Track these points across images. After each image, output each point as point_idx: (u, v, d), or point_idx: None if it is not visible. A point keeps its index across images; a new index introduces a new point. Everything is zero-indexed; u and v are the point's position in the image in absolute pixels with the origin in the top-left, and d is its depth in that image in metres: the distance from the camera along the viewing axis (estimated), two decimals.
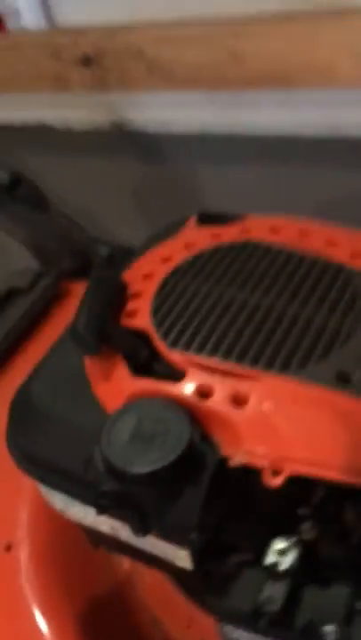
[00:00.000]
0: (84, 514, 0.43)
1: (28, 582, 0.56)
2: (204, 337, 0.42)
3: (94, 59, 0.92)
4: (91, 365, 0.45)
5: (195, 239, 0.51)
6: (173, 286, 0.46)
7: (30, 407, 0.45)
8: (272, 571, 0.38)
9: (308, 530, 0.40)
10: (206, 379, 0.40)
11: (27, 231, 0.79)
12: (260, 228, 0.51)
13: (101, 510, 0.40)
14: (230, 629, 0.41)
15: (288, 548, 0.38)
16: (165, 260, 0.49)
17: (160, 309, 0.45)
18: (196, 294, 0.45)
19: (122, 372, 0.43)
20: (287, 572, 0.38)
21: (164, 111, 1.15)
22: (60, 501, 0.45)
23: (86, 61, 0.93)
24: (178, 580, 0.47)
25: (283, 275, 0.46)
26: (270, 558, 0.38)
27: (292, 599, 0.38)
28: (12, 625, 0.55)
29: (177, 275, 0.47)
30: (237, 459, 0.38)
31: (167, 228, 0.55)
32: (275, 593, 0.37)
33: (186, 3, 0.93)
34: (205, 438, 0.39)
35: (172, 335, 0.43)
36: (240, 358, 0.41)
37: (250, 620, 0.38)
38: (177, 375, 0.41)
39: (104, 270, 0.53)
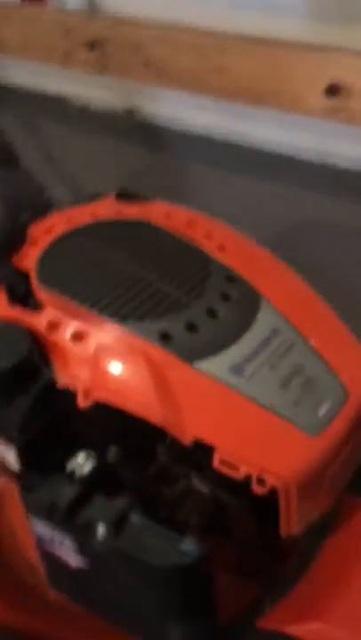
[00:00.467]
0: None
1: None
2: (69, 283, 0.51)
3: (97, 44, 1.00)
4: None
5: (101, 209, 0.60)
6: (64, 242, 0.55)
7: None
8: (71, 476, 0.46)
9: (114, 453, 0.48)
10: (58, 315, 0.49)
11: None
12: (159, 212, 0.59)
13: None
14: (34, 522, 0.49)
15: (87, 461, 0.47)
16: (69, 220, 0.58)
17: (46, 257, 0.54)
18: (78, 251, 0.54)
19: None
20: (82, 480, 0.46)
21: (172, 108, 1.23)
22: None
23: (91, 45, 1.01)
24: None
25: (155, 249, 0.54)
26: (71, 466, 0.47)
27: (82, 501, 0.46)
28: None
29: (72, 234, 0.56)
30: (63, 380, 0.47)
31: (90, 196, 0.64)
32: (67, 493, 0.46)
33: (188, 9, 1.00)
34: (45, 361, 0.48)
35: (45, 277, 0.52)
36: (92, 305, 0.49)
37: (46, 513, 0.47)
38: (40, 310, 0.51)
39: (14, 218, 0.62)
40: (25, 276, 0.53)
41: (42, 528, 0.49)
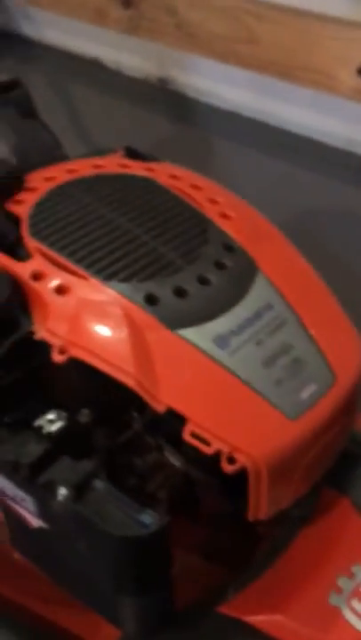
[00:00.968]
0: None
1: None
2: (60, 235, 0.49)
3: (133, 3, 0.97)
4: None
5: (106, 164, 0.57)
6: (62, 192, 0.53)
7: None
8: (38, 432, 0.45)
9: (85, 414, 0.47)
10: (44, 266, 0.47)
11: (11, 134, 0.86)
12: (165, 171, 0.57)
13: None
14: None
15: (56, 419, 0.45)
16: (71, 171, 0.56)
17: (40, 206, 0.51)
18: (74, 203, 0.52)
19: None
20: (49, 438, 0.44)
21: (204, 81, 1.20)
22: None
23: (127, 3, 0.98)
24: None
25: (154, 209, 0.51)
26: (39, 422, 0.45)
27: (47, 461, 0.44)
28: None
29: (72, 184, 0.54)
30: (41, 333, 0.45)
31: (99, 150, 0.62)
32: (32, 450, 0.44)
33: None
34: (25, 312, 0.46)
35: (37, 226, 0.49)
36: (79, 260, 0.47)
37: (9, 469, 0.45)
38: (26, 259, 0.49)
39: (13, 162, 0.60)
40: (15, 223, 0.51)
41: (5, 484, 0.48)
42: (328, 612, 0.49)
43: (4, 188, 0.53)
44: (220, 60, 1.04)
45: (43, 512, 0.45)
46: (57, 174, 0.55)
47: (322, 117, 1.14)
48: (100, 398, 0.46)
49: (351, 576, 0.49)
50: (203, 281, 0.47)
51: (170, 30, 0.99)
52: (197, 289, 0.47)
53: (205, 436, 0.41)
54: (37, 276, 0.47)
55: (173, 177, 0.56)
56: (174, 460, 0.49)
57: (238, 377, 0.44)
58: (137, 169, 0.57)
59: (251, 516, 0.44)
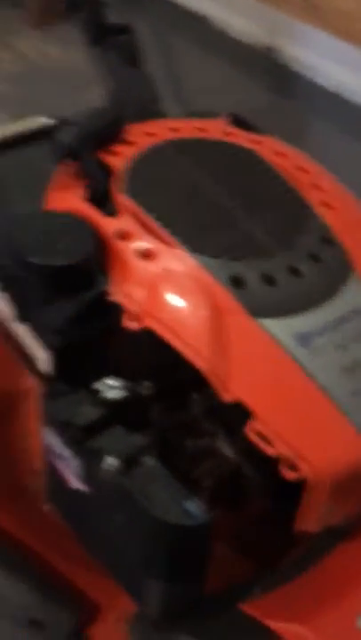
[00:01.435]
0: None
1: None
2: (153, 196, 0.46)
3: None
4: (57, 176, 0.50)
5: (210, 128, 0.54)
6: (162, 151, 0.50)
7: None
8: (95, 395, 0.43)
9: (146, 387, 0.45)
10: (132, 226, 0.45)
11: (112, 81, 0.83)
12: (271, 147, 0.53)
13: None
14: (48, 434, 0.47)
15: (116, 387, 0.43)
16: (174, 130, 0.53)
17: (137, 161, 0.49)
18: (173, 165, 0.49)
19: (75, 191, 0.48)
20: (106, 404, 0.43)
21: (315, 57, 1.15)
22: None
23: None
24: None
25: (254, 185, 0.49)
26: (98, 385, 0.43)
27: (100, 426, 0.43)
28: None
29: (173, 144, 0.51)
30: (117, 296, 0.43)
31: (203, 112, 0.59)
32: (87, 412, 0.43)
33: None
34: (103, 271, 0.44)
35: (130, 183, 0.47)
36: (169, 226, 0.45)
37: (61, 427, 0.44)
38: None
39: (115, 111, 0.57)
40: (108, 175, 0.48)
41: (53, 440, 0.47)
42: (354, 635, 0.47)
43: (101, 136, 0.51)
44: (340, 38, 0.99)
45: (86, 476, 0.44)
46: (158, 131, 0.52)
47: None
48: (165, 373, 0.44)
49: None
50: (294, 271, 0.44)
51: (296, 2, 0.93)
52: (287, 279, 0.44)
53: (270, 436, 0.39)
54: (123, 235, 0.44)
55: (279, 154, 0.53)
56: (227, 450, 0.47)
57: (315, 380, 0.41)
58: (242, 139, 0.53)
59: (297, 527, 0.42)
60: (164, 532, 0.40)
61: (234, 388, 0.40)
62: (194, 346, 0.41)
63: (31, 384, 0.66)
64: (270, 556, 0.53)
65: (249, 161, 0.51)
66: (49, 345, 0.45)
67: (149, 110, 0.80)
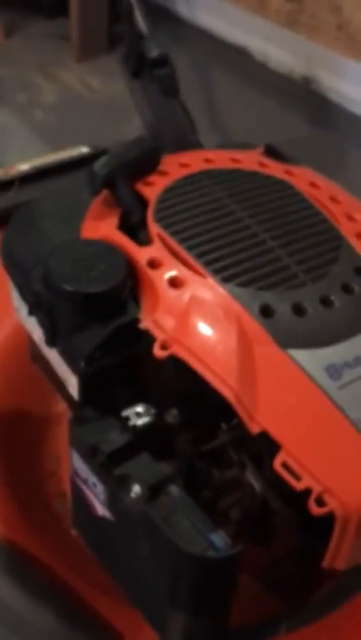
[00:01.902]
0: (25, 315, 0.50)
1: None
2: (184, 226, 0.47)
3: None
4: (93, 205, 0.50)
5: (245, 159, 0.55)
6: (195, 181, 0.51)
7: (32, 215, 0.52)
8: (123, 422, 0.43)
9: (173, 415, 0.45)
10: (164, 255, 0.45)
11: (150, 112, 0.85)
12: (304, 177, 0.53)
13: (30, 308, 0.47)
14: (75, 459, 0.47)
15: (144, 414, 0.43)
16: (208, 161, 0.53)
17: (171, 191, 0.50)
18: (205, 195, 0.49)
19: (110, 220, 0.48)
20: (134, 430, 0.43)
21: (353, 88, 1.15)
22: (16, 300, 0.52)
23: None
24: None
25: (287, 215, 0.48)
26: (127, 412, 0.43)
27: (127, 453, 0.43)
28: None
29: (206, 175, 0.52)
30: (146, 323, 0.43)
31: (237, 143, 0.59)
32: (114, 439, 0.43)
33: None
34: (134, 297, 0.45)
35: (163, 212, 0.48)
36: (200, 255, 0.45)
37: (88, 452, 0.44)
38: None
39: (151, 142, 0.58)
40: (143, 205, 0.49)
41: (79, 465, 0.47)
42: None
43: (136, 166, 0.51)
44: None
45: (112, 503, 0.44)
46: (192, 162, 0.53)
47: None
48: (192, 402, 0.44)
49: None
50: (325, 302, 0.44)
51: (329, 29, 0.94)
52: (318, 309, 0.44)
53: (297, 469, 0.38)
54: (154, 264, 0.45)
55: (313, 185, 0.53)
56: (254, 481, 0.46)
57: (344, 414, 0.40)
58: (276, 170, 0.54)
59: (326, 564, 0.41)
60: (188, 563, 0.39)
61: (261, 419, 0.40)
62: (221, 375, 0.41)
63: (62, 408, 0.67)
64: (297, 593, 0.52)
65: (282, 192, 0.51)
66: (78, 370, 0.45)
67: (187, 141, 0.81)
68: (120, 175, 0.49)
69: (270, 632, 0.49)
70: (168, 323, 0.43)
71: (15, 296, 0.52)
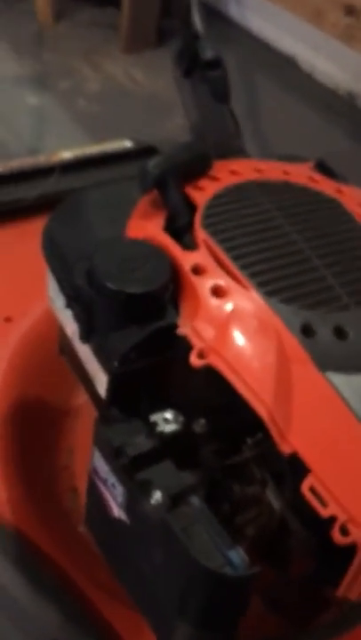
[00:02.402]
0: (60, 307, 0.49)
1: None
2: (231, 234, 0.46)
3: (356, 11, 0.92)
4: (141, 203, 0.50)
5: (295, 172, 0.54)
6: (245, 190, 0.50)
7: (78, 207, 0.51)
8: (151, 427, 0.43)
9: (201, 425, 0.44)
10: (208, 263, 0.44)
11: (198, 116, 0.84)
12: (354, 197, 0.52)
13: (68, 301, 0.46)
14: (96, 457, 0.46)
15: (172, 421, 0.43)
16: (258, 171, 0.53)
17: (220, 198, 0.49)
18: (254, 205, 0.49)
19: (157, 220, 0.48)
20: (161, 436, 0.42)
21: None
22: (52, 291, 0.52)
23: (349, 10, 0.94)
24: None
25: (335, 234, 0.48)
26: (155, 417, 0.43)
27: (151, 459, 0.42)
28: None
29: (256, 185, 0.51)
30: (184, 329, 0.43)
31: (292, 156, 0.58)
32: (140, 443, 0.42)
33: None
34: (174, 302, 0.44)
35: (211, 218, 0.47)
36: (245, 267, 0.44)
37: (111, 454, 0.44)
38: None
39: (203, 147, 0.57)
40: (191, 209, 0.49)
41: (100, 464, 0.47)
42: None
43: (188, 170, 0.51)
44: None
45: (130, 507, 0.43)
46: (243, 170, 0.52)
47: None
48: (222, 414, 0.44)
49: None
50: None
51: None
52: (359, 334, 0.43)
53: (325, 495, 0.38)
54: (198, 270, 0.44)
55: (360, 205, 0.53)
56: (273, 500, 0.45)
57: None
58: (326, 187, 0.53)
59: (340, 593, 0.40)
60: (203, 577, 0.38)
61: (292, 439, 0.39)
62: (257, 390, 0.40)
63: (81, 402, 0.67)
64: (301, 615, 0.51)
65: (331, 210, 0.50)
66: (110, 369, 0.45)
67: (230, 146, 0.81)
68: (171, 177, 0.48)
69: None
70: (207, 332, 0.42)
71: (52, 286, 0.52)
